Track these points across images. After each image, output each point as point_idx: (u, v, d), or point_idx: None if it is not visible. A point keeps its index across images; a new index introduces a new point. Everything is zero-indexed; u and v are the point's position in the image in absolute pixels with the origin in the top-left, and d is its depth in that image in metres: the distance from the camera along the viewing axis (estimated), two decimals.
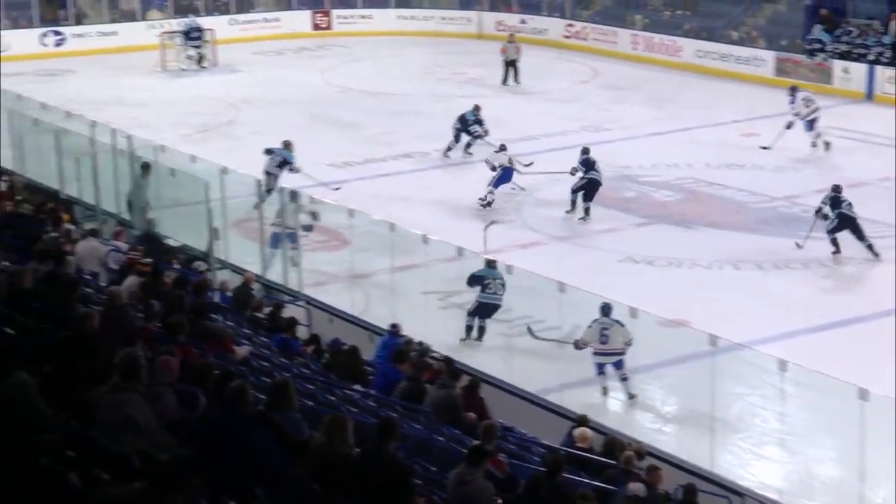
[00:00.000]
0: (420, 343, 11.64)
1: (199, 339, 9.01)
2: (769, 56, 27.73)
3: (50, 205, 14.96)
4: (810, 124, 21.57)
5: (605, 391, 12.56)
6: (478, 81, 27.96)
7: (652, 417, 12.36)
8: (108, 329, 7.90)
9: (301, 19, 34.01)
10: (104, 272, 12.30)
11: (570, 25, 32.28)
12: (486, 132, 21.23)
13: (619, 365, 12.48)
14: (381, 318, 13.33)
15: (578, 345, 12.56)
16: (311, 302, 14.05)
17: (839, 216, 16.31)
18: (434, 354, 11.39)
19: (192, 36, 29.04)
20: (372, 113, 24.88)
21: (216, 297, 12.42)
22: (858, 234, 16.28)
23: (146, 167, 15.93)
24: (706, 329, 11.38)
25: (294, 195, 14.88)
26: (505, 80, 27.50)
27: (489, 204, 18.37)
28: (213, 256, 14.45)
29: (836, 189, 16.56)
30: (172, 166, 15.83)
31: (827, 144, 21.52)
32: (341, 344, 11.61)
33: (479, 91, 26.80)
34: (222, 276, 14.09)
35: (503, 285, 13.47)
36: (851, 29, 27.09)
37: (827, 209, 16.41)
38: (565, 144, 22.20)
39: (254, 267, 14.67)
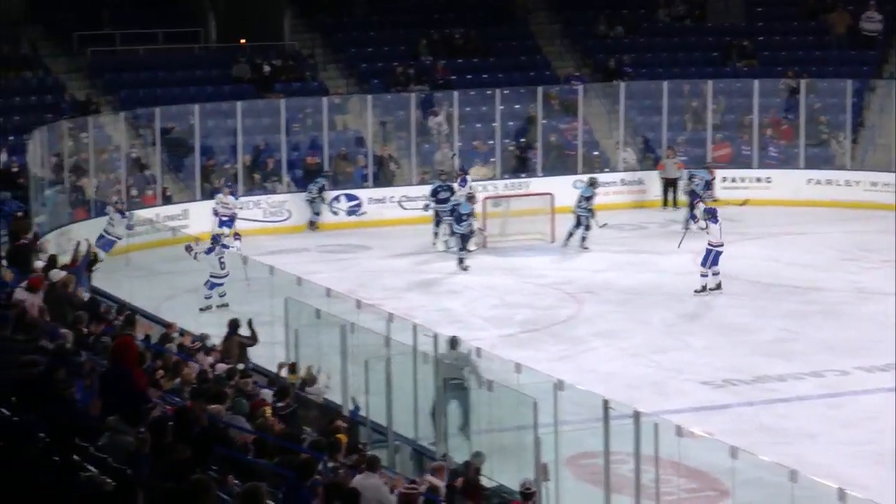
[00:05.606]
0: None
1: None
2: None
3: (332, 425, 15.69)
4: None
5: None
6: None
7: None
8: None
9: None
10: None
11: None
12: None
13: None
14: None
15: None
16: None
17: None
18: None
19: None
20: (766, 312, 24.80)
21: None
22: None
23: (454, 342, 17.84)
24: None
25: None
26: (665, 203, 34.04)
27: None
28: (539, 503, 14.70)
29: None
30: (490, 377, 16.36)
31: None
32: None
33: None
34: None
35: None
36: None
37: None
38: None
39: None
